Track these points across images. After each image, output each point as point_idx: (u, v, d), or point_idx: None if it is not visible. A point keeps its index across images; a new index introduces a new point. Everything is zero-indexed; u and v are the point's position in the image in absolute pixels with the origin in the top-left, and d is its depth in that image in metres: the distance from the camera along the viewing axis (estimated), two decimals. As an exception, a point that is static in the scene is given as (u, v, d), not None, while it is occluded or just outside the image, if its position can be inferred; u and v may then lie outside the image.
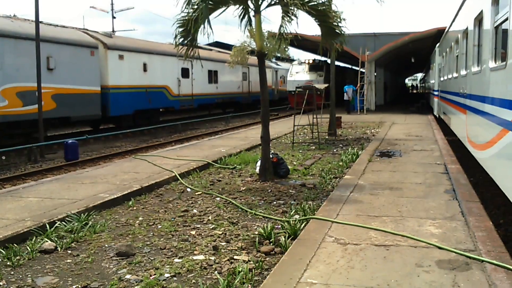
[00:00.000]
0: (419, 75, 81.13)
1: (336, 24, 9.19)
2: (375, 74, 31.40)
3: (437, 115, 21.63)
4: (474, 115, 8.61)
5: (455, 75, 13.06)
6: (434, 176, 8.41)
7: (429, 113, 25.82)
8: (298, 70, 31.85)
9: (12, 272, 4.76)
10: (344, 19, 9.37)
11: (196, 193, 7.99)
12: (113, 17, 43.20)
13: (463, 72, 10.86)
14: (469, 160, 9.75)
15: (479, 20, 8.48)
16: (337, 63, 29.53)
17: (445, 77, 17.23)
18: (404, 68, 56.88)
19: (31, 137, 15.87)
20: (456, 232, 5.15)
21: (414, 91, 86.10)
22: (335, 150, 12.78)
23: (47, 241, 5.49)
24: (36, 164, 13.82)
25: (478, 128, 8.26)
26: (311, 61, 31.99)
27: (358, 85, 27.50)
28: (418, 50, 32.44)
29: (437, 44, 22.45)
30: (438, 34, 23.40)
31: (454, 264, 4.27)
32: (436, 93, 22.40)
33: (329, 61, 20.54)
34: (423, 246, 4.76)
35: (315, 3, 8.79)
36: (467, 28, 10.06)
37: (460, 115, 11.31)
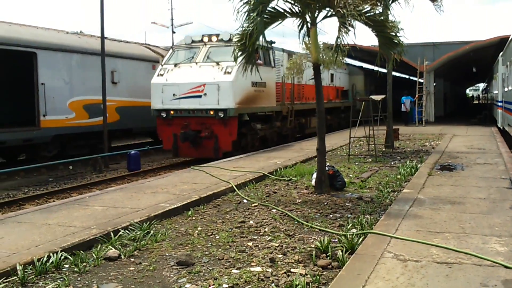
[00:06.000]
0: (481, 85, 77.94)
1: (394, 34, 9.06)
2: (434, 84, 30.42)
3: (501, 127, 20.67)
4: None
5: (521, 85, 12.48)
6: (499, 191, 8.05)
7: (492, 124, 24.73)
8: (180, 60, 15.67)
9: (79, 278, 4.99)
10: (402, 29, 9.21)
11: (253, 205, 8.08)
12: (173, 32, 44.42)
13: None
14: (537, 175, 9.26)
15: (548, 28, 8.09)
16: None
17: (510, 87, 16.47)
18: (465, 78, 54.90)
19: (96, 148, 16.63)
20: (524, 251, 4.91)
21: (476, 102, 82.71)
22: (392, 163, 12.51)
23: (111, 249, 5.71)
24: (101, 174, 14.47)
25: (547, 141, 7.84)
26: (213, 39, 15.38)
27: (416, 96, 26.80)
28: (480, 59, 31.21)
29: (501, 53, 21.51)
30: (501, 43, 22.41)
31: (522, 285, 4.08)
32: (500, 104, 21.42)
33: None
34: (488, 264, 4.58)
35: (372, 13, 8.71)
36: (534, 37, 9.62)
37: (527, 127, 10.78)
